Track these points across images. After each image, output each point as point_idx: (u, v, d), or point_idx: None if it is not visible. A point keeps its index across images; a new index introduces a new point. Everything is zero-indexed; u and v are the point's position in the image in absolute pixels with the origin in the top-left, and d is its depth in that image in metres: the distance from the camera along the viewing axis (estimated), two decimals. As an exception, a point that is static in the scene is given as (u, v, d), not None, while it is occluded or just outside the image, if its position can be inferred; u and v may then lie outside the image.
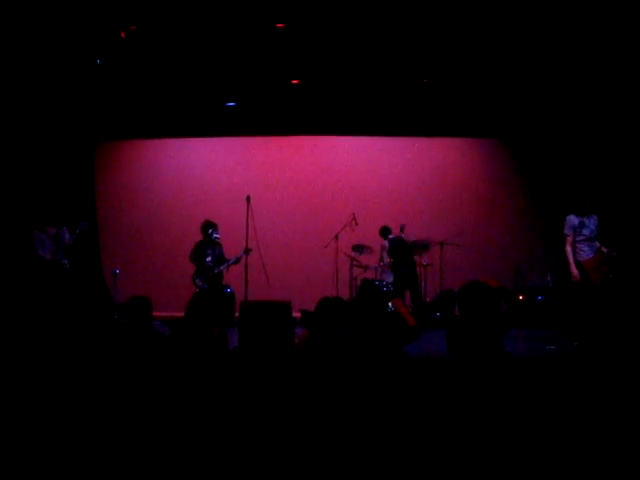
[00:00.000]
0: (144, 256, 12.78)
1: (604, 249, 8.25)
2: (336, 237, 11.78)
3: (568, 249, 8.32)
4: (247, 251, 10.28)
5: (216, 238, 10.46)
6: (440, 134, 12.98)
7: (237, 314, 8.11)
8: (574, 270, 8.23)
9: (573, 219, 8.35)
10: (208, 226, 10.49)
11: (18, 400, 4.20)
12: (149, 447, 3.67)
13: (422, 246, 11.55)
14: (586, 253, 8.30)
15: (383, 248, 11.37)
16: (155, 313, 5.19)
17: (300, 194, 13.00)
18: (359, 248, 11.62)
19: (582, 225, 8.30)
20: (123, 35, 9.60)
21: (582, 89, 10.73)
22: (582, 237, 8.29)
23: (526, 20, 9.12)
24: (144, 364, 4.39)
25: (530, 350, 8.35)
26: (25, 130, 10.60)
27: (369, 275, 11.67)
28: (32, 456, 3.64)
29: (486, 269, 12.17)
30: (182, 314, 5.01)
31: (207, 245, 10.51)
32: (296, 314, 7.70)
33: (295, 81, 11.35)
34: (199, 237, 10.75)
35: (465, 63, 10.50)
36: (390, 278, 11.41)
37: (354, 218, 11.73)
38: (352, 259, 11.70)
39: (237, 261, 10.42)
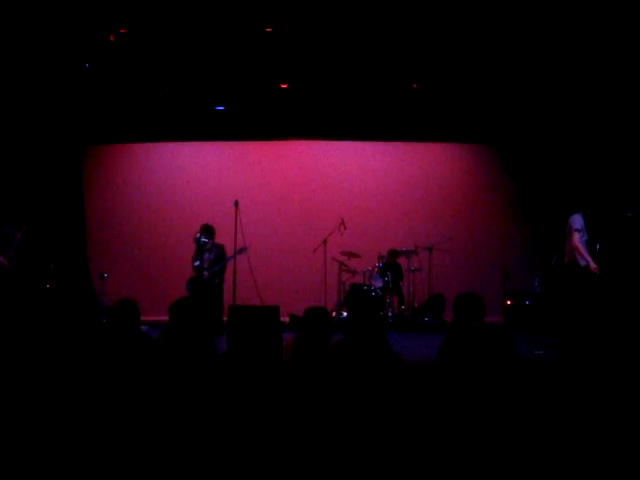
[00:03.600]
0: (132, 260, 12.74)
1: None
2: (325, 241, 11.79)
3: (580, 244, 8.26)
4: (241, 251, 10.22)
5: (204, 243, 10.43)
6: (429, 139, 13.02)
7: (225, 318, 8.09)
8: (592, 263, 8.19)
9: (580, 219, 8.33)
10: (201, 230, 10.44)
11: (4, 403, 4.17)
12: (137, 452, 3.66)
13: None
14: (584, 258, 8.31)
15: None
16: (143, 317, 5.17)
17: (289, 198, 13.00)
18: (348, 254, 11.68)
19: (584, 228, 8.29)
20: (112, 38, 9.58)
21: (570, 95, 10.79)
22: (584, 238, 8.31)
23: (515, 27, 9.16)
24: (132, 368, 4.38)
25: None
26: (13, 133, 10.56)
27: (357, 280, 11.69)
28: (21, 461, 3.63)
29: (474, 274, 12.23)
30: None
31: (197, 249, 10.48)
32: (285, 318, 7.71)
33: (284, 85, 11.36)
34: (188, 241, 10.74)
35: (454, 69, 10.54)
36: (379, 283, 11.44)
37: (343, 222, 11.75)
38: (341, 264, 11.72)
39: (229, 260, 10.35)
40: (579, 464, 3.66)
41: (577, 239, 8.36)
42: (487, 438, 3.76)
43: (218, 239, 10.65)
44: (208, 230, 10.43)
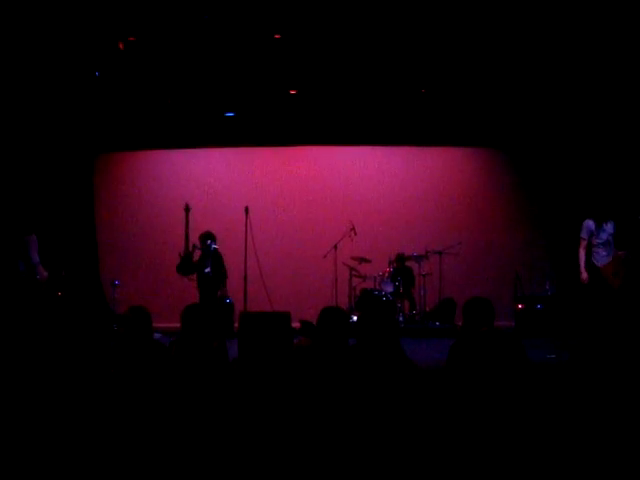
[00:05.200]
0: (143, 267, 12.77)
1: (619, 253, 8.35)
2: (335, 247, 11.79)
3: (581, 252, 8.44)
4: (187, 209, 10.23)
5: (214, 249, 10.41)
6: (439, 143, 13.00)
7: (236, 325, 8.10)
8: (584, 273, 8.33)
9: (590, 224, 8.47)
10: (204, 237, 10.37)
11: (16, 407, 4.19)
12: (149, 459, 3.67)
13: None
14: (603, 257, 8.38)
15: None
16: (155, 324, 5.18)
17: (299, 204, 13.00)
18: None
19: (599, 229, 8.39)
20: (121, 46, 9.62)
21: (579, 97, 10.77)
22: (599, 240, 8.39)
23: (524, 31, 9.15)
24: (144, 376, 4.38)
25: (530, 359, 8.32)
26: (25, 142, 10.62)
27: (368, 285, 11.68)
28: (33, 467, 3.64)
29: (485, 278, 12.19)
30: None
31: (206, 256, 10.45)
32: (295, 324, 7.69)
33: (293, 91, 11.38)
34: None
35: (463, 73, 10.53)
36: (389, 288, 11.42)
37: (353, 228, 11.75)
38: (351, 269, 11.71)
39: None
40: (586, 467, 3.65)
41: (581, 246, 8.51)
42: (495, 442, 3.75)
43: (230, 246, 10.67)
44: (212, 236, 10.34)
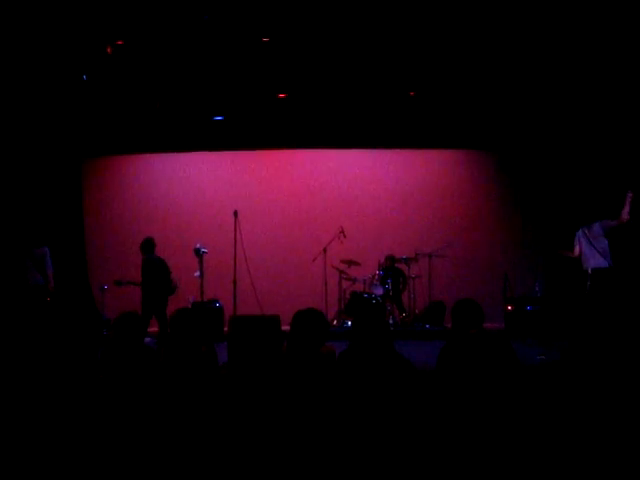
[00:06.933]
0: (132, 272, 12.69)
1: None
2: (324, 250, 11.79)
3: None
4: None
5: (204, 253, 10.41)
6: (428, 146, 13.02)
7: (226, 328, 8.09)
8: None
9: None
10: (146, 245, 10.04)
11: (6, 411, 4.17)
12: (139, 463, 3.65)
13: None
14: (604, 263, 8.49)
15: None
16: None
17: (288, 208, 12.99)
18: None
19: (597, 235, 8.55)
20: (109, 50, 9.60)
21: (567, 100, 10.81)
22: (604, 244, 8.49)
23: (512, 33, 9.19)
24: (133, 381, 4.37)
25: (520, 360, 8.34)
26: (11, 147, 10.57)
27: (358, 288, 11.68)
28: (22, 475, 3.62)
29: (474, 280, 12.21)
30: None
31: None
32: (285, 328, 7.69)
33: (282, 95, 11.37)
34: (187, 252, 10.71)
35: (451, 75, 10.56)
36: (379, 291, 11.42)
37: (342, 231, 11.75)
38: (341, 272, 11.71)
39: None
40: (576, 466, 3.66)
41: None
42: (486, 443, 3.75)
43: (219, 250, 10.65)
44: (153, 243, 9.97)
